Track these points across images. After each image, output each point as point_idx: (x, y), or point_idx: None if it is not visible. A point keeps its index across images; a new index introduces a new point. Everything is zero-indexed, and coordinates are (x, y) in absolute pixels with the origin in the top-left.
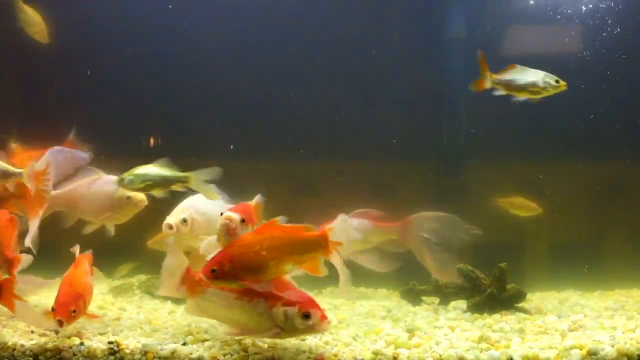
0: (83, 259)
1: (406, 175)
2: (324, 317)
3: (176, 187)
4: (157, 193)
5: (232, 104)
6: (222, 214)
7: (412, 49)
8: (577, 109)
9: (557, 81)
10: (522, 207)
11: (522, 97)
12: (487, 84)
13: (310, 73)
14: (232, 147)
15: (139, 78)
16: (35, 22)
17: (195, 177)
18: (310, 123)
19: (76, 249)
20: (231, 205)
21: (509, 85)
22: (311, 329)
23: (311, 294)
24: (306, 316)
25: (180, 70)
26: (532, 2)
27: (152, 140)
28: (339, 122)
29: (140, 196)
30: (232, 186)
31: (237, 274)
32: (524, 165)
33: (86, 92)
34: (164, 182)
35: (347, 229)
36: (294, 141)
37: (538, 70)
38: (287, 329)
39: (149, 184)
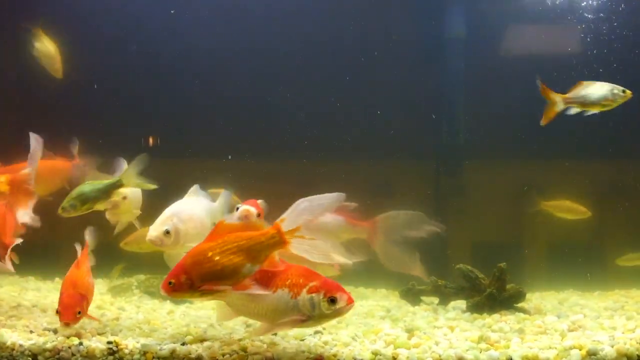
0: (85, 259)
1: (408, 174)
2: (350, 300)
3: (117, 195)
4: (104, 207)
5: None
6: (237, 208)
7: (413, 48)
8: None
9: (623, 91)
10: (569, 210)
11: (593, 110)
12: (559, 107)
13: (311, 73)
14: (230, 157)
15: (163, 79)
16: (50, 55)
17: (125, 176)
18: (309, 123)
19: (78, 247)
20: (212, 203)
21: (583, 102)
22: (338, 313)
23: None
24: (332, 300)
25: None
26: (532, 2)
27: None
28: (340, 121)
29: (137, 197)
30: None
31: (194, 284)
32: (524, 166)
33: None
34: (101, 194)
35: (301, 212)
36: (293, 141)
37: (604, 83)
38: (314, 316)
39: (90, 203)
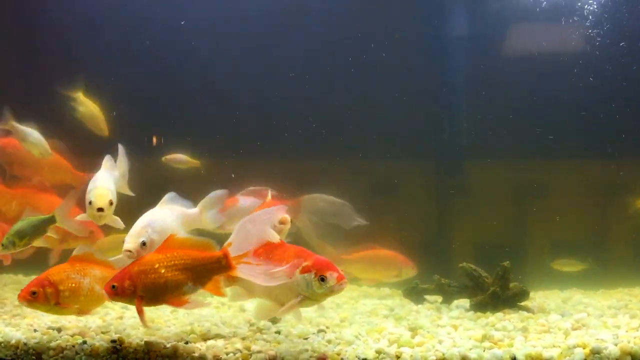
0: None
1: (410, 174)
2: (340, 277)
3: (52, 231)
4: (40, 243)
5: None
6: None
7: (414, 48)
8: (579, 107)
9: None
10: None
11: None
12: None
13: (311, 73)
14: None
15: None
16: (93, 116)
17: (57, 214)
18: (312, 122)
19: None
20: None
21: None
22: (330, 292)
23: None
24: (322, 279)
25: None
26: (533, 1)
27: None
28: (340, 121)
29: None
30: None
31: (135, 292)
32: (526, 165)
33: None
34: (36, 230)
35: (247, 235)
36: (293, 140)
37: None
38: (309, 295)
39: (27, 238)
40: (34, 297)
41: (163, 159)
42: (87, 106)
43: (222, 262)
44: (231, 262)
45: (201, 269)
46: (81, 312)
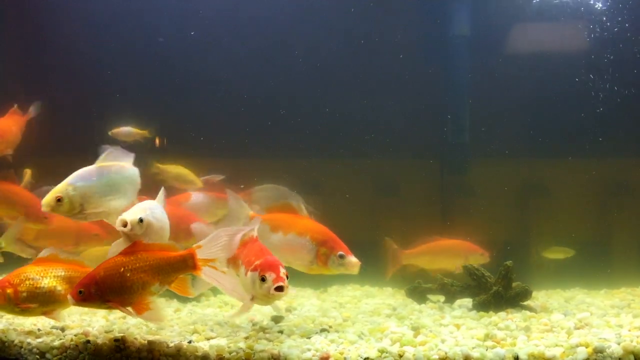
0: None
1: (412, 173)
2: (278, 279)
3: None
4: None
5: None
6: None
7: (417, 47)
8: (583, 107)
9: None
10: None
11: None
12: None
13: (313, 72)
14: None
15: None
16: (180, 176)
17: (5, 239)
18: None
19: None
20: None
21: None
22: (267, 293)
23: (316, 292)
24: (263, 279)
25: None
26: (535, 0)
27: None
28: (342, 120)
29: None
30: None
31: (103, 296)
32: (529, 164)
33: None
34: None
35: (220, 247)
36: (294, 140)
37: None
38: (255, 294)
39: None
40: None
41: (109, 133)
42: (170, 170)
43: (188, 261)
44: (197, 262)
45: (167, 268)
46: (47, 313)
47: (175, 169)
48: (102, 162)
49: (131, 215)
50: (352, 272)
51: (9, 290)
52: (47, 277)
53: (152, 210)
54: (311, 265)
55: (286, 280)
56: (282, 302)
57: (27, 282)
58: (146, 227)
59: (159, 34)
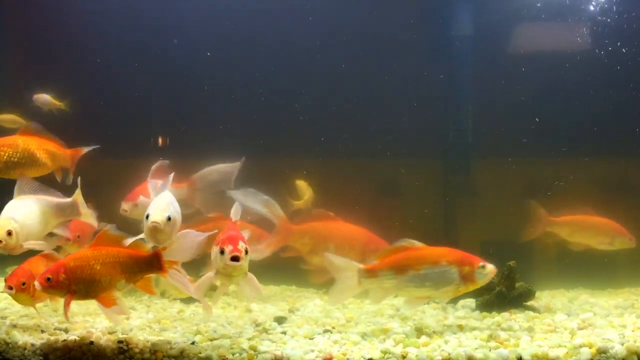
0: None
1: (414, 173)
2: (234, 250)
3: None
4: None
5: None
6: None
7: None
8: (585, 106)
9: None
10: None
11: None
12: None
13: (316, 72)
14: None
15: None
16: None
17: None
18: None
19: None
20: None
21: None
22: (228, 266)
23: (319, 293)
24: (222, 252)
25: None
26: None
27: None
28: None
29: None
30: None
31: (70, 286)
32: (532, 164)
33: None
34: None
35: (185, 248)
36: (295, 139)
37: None
38: (217, 268)
39: None
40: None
41: (33, 97)
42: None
43: (154, 262)
44: (163, 264)
45: (134, 267)
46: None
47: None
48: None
49: (160, 215)
50: (490, 278)
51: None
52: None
53: (172, 204)
54: (458, 288)
55: (243, 252)
56: (286, 303)
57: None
58: (173, 223)
59: (174, 35)
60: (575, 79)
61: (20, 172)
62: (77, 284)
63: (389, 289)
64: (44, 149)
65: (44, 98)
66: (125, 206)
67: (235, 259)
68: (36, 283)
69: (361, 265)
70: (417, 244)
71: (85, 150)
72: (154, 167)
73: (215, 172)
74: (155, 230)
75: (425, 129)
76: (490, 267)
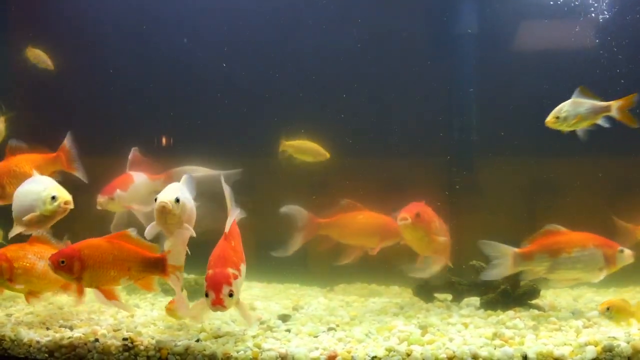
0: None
1: (416, 172)
2: (216, 302)
3: None
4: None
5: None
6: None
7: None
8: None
9: None
10: None
11: None
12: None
13: (318, 72)
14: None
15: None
16: (310, 149)
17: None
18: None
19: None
20: None
21: None
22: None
23: (323, 291)
24: (207, 295)
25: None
26: None
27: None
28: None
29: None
30: None
31: (80, 272)
32: (535, 162)
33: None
34: None
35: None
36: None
37: None
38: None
39: None
40: None
41: (27, 51)
42: (298, 145)
43: (159, 265)
44: (167, 269)
45: (140, 266)
46: (32, 294)
47: (303, 144)
48: None
49: (168, 196)
50: (628, 262)
51: (4, 265)
52: (43, 259)
53: (182, 190)
54: (601, 272)
55: (226, 301)
56: (290, 301)
57: (25, 261)
58: (182, 206)
59: (183, 35)
60: (577, 78)
61: None
62: (86, 272)
63: (540, 272)
64: (36, 164)
65: (38, 53)
66: (100, 199)
67: (216, 309)
68: (49, 262)
69: (517, 250)
70: (562, 229)
71: (65, 142)
72: (129, 157)
73: (196, 172)
74: (163, 210)
75: (420, 127)
76: (628, 252)
